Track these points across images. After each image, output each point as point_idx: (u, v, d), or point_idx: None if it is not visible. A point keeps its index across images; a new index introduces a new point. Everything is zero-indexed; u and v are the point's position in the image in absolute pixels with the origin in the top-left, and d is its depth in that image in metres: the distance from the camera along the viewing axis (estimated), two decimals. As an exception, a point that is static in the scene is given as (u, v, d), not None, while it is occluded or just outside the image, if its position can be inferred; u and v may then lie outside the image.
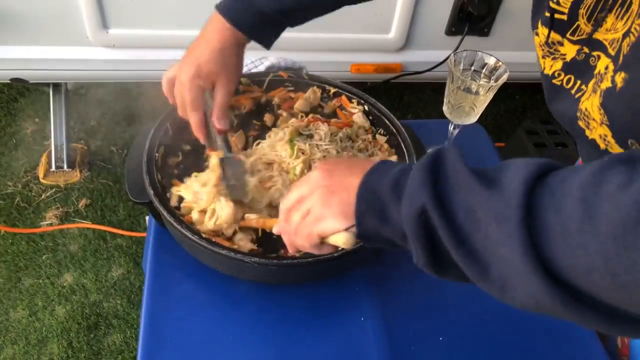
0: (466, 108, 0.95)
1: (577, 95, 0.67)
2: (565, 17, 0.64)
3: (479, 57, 0.94)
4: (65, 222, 1.85)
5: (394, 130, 0.96)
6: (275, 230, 0.66)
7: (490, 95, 0.93)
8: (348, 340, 0.79)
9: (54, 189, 1.93)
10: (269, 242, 0.80)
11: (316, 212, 0.55)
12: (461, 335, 0.81)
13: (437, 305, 0.85)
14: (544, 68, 0.73)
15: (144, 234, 1.82)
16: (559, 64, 0.69)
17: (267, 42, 0.82)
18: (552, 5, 0.65)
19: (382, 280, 0.86)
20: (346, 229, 0.53)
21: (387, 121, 0.98)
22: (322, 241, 0.57)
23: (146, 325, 0.78)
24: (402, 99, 2.43)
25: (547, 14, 0.66)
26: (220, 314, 0.81)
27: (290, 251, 0.62)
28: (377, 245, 0.52)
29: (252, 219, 0.80)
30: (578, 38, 0.65)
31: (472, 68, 0.95)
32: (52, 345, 1.56)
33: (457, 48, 1.63)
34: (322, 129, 0.94)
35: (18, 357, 1.53)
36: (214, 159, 0.82)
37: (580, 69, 0.66)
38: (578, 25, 0.64)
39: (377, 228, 0.50)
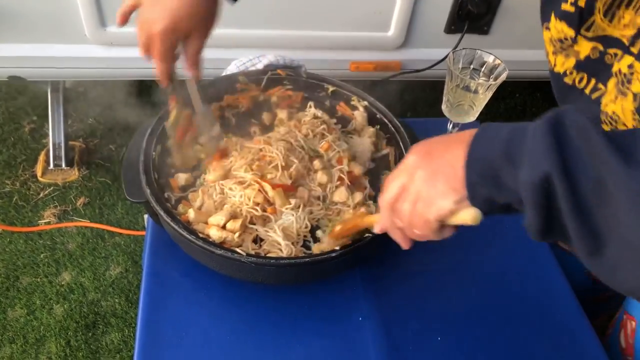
0: (465, 106, 0.95)
1: (594, 96, 0.63)
2: (580, 11, 0.60)
3: (478, 55, 0.94)
4: (64, 221, 1.85)
5: (393, 129, 0.96)
6: (377, 230, 0.64)
7: (490, 94, 0.92)
8: (346, 340, 0.78)
9: (52, 187, 1.93)
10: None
11: (425, 195, 0.52)
12: (459, 335, 0.81)
13: (435, 305, 0.84)
14: (555, 65, 0.69)
15: (142, 233, 1.81)
16: (571, 62, 0.65)
17: None
18: None
19: (380, 280, 0.85)
20: (457, 203, 0.50)
21: (385, 119, 0.98)
22: (442, 224, 0.54)
23: (143, 324, 0.78)
24: (401, 97, 2.42)
25: (564, 7, 0.61)
26: (217, 314, 0.80)
27: (405, 246, 0.60)
28: (492, 214, 0.51)
29: (344, 224, 0.75)
30: (593, 35, 0.61)
31: (471, 66, 0.95)
32: (50, 344, 1.55)
33: (456, 46, 1.62)
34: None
35: (16, 356, 1.53)
36: (174, 112, 0.84)
37: (595, 67, 0.62)
38: (594, 21, 0.60)
39: (491, 196, 0.48)
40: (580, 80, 0.65)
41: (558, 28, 0.65)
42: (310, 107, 1.00)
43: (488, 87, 0.90)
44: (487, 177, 0.47)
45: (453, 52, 0.92)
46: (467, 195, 0.49)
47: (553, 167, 0.41)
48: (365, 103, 1.00)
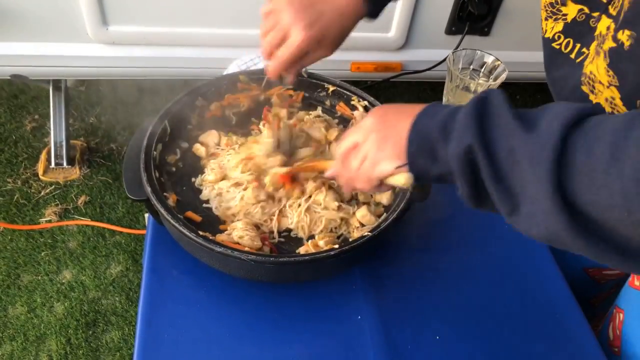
0: (465, 107, 0.95)
1: (578, 60, 0.67)
2: None
3: (478, 56, 0.94)
4: (65, 219, 1.85)
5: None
6: (328, 174, 0.71)
7: (489, 95, 0.93)
8: (344, 338, 0.79)
9: (53, 186, 1.93)
10: (285, 243, 0.82)
11: (372, 156, 0.59)
12: (458, 334, 0.81)
13: (434, 304, 0.84)
14: (545, 31, 0.73)
15: (143, 231, 1.82)
16: (559, 26, 0.69)
17: (379, 9, 0.80)
18: None
19: (379, 279, 0.86)
20: (397, 168, 0.57)
21: (385, 120, 0.98)
22: (381, 182, 0.61)
23: (143, 322, 0.78)
24: (402, 97, 2.43)
25: None
26: (217, 312, 0.81)
27: (346, 191, 0.71)
28: (428, 182, 0.58)
29: (302, 163, 0.81)
30: None
31: (471, 67, 0.95)
32: (50, 341, 1.56)
33: (457, 47, 1.62)
34: None
35: (16, 354, 1.53)
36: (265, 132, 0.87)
37: (580, 30, 0.66)
38: None
39: (427, 167, 0.54)
40: (567, 45, 0.69)
41: None
42: (317, 108, 1.01)
43: (487, 88, 0.91)
44: (424, 149, 0.54)
45: (453, 53, 0.92)
46: (407, 163, 0.56)
47: (474, 139, 0.48)
48: (365, 103, 1.00)
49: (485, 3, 1.58)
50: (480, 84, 0.91)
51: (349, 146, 0.63)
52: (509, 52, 1.75)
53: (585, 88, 0.66)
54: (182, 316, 0.79)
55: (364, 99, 1.01)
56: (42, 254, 1.75)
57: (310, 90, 1.04)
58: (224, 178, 0.87)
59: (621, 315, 0.88)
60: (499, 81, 0.90)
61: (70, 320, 1.60)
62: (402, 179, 0.58)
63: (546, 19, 0.73)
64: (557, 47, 0.71)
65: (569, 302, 0.87)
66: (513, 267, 0.91)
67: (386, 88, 2.36)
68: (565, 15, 0.68)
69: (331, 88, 1.02)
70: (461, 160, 0.49)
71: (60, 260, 1.74)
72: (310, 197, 0.84)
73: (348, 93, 1.02)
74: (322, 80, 1.02)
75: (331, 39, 0.74)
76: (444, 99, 0.97)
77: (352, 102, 1.02)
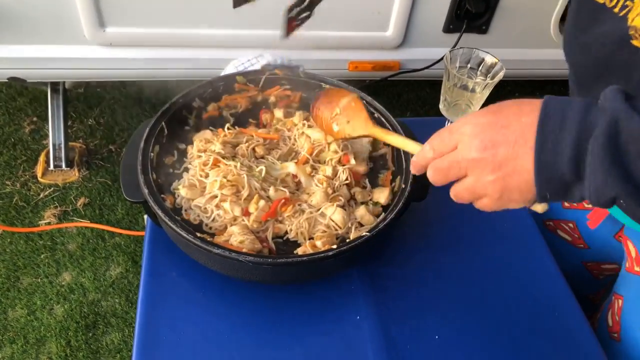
0: (462, 106, 0.95)
1: (622, 13, 0.63)
2: None
3: (475, 54, 0.94)
4: (64, 221, 1.85)
5: (390, 128, 0.96)
6: (413, 170, 0.62)
7: (487, 93, 0.93)
8: (343, 339, 0.78)
9: (52, 188, 1.93)
10: (284, 244, 0.82)
11: (495, 202, 0.53)
12: (457, 333, 0.81)
13: (433, 303, 0.84)
14: None
15: (142, 233, 1.81)
16: None
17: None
18: None
19: (378, 279, 0.85)
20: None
21: (383, 119, 0.98)
22: None
23: (141, 324, 0.78)
24: (400, 96, 2.43)
25: None
26: (215, 313, 0.80)
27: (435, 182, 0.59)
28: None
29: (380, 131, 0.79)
30: None
31: (469, 65, 0.95)
32: (50, 344, 1.56)
33: (455, 45, 1.62)
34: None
35: (16, 356, 1.53)
36: None
37: None
38: None
39: (564, 198, 0.50)
40: (611, 0, 0.65)
41: None
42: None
43: (485, 86, 0.90)
44: (557, 191, 0.49)
45: (450, 52, 0.92)
46: (538, 201, 0.51)
47: (619, 193, 0.44)
48: (363, 102, 1.00)
49: (482, 1, 1.57)
50: (478, 83, 0.91)
51: (445, 167, 0.55)
52: (507, 50, 1.75)
53: (636, 42, 0.62)
54: (181, 318, 0.79)
55: (362, 99, 1.00)
56: (42, 256, 1.75)
57: (307, 90, 1.03)
58: (200, 193, 0.84)
59: (620, 301, 0.88)
60: (497, 79, 0.90)
61: (70, 323, 1.60)
62: (539, 207, 0.56)
63: None
64: (601, 1, 0.66)
65: (569, 300, 0.87)
66: (512, 266, 0.91)
67: (385, 87, 2.36)
68: None
69: (328, 88, 1.02)
70: (606, 204, 0.47)
71: (59, 263, 1.74)
72: (315, 207, 0.84)
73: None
74: (319, 80, 1.02)
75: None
76: (442, 97, 0.97)
77: (350, 102, 1.01)
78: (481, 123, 0.53)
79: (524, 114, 0.49)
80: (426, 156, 0.58)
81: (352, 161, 0.91)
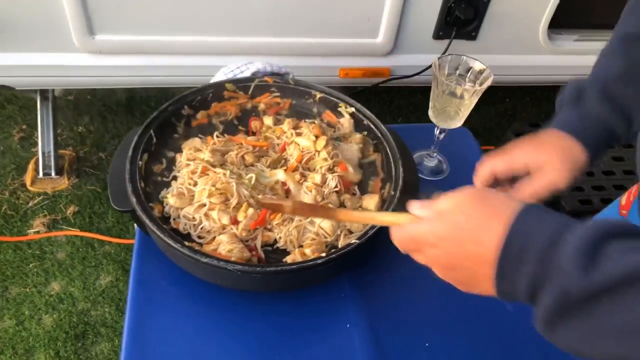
0: (451, 112, 0.95)
1: None
2: None
3: (464, 61, 0.94)
4: (53, 230, 1.83)
5: (380, 135, 0.96)
6: (394, 239, 0.58)
7: (475, 99, 0.93)
8: (333, 347, 0.78)
9: (41, 197, 1.92)
10: (273, 252, 0.82)
11: (461, 286, 0.54)
12: (447, 341, 0.81)
13: (423, 311, 0.84)
14: None
15: (132, 241, 1.79)
16: None
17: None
18: None
19: (368, 287, 0.85)
20: None
21: (372, 126, 0.98)
22: None
23: (129, 333, 0.78)
24: (391, 103, 2.44)
25: None
26: (204, 322, 0.80)
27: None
28: None
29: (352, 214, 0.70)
30: None
31: (457, 72, 0.95)
32: (39, 354, 1.54)
33: (444, 52, 1.63)
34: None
35: (5, 368, 1.51)
36: None
37: None
38: None
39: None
40: None
41: None
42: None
43: (473, 93, 0.91)
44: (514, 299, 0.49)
45: (438, 59, 0.92)
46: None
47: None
48: (353, 109, 1.00)
49: (471, 7, 1.58)
50: (466, 90, 0.91)
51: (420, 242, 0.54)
52: (496, 56, 1.75)
53: None
54: (169, 327, 0.79)
55: (351, 106, 1.00)
56: (30, 265, 1.73)
57: (297, 97, 1.03)
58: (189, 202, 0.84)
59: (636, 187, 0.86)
60: (485, 86, 0.90)
61: (59, 333, 1.58)
62: None
63: None
64: None
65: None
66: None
67: (376, 93, 2.37)
68: None
69: (318, 95, 1.02)
70: None
71: (48, 272, 1.72)
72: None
73: (335, 100, 1.01)
74: (309, 88, 1.02)
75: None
76: (430, 104, 0.97)
77: (339, 109, 1.01)
78: (444, 248, 0.52)
79: (483, 245, 0.47)
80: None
81: (350, 169, 0.91)
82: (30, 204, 1.89)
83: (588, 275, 0.40)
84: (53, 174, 1.94)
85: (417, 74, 1.68)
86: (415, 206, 0.56)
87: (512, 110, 2.51)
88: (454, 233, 0.50)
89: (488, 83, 0.91)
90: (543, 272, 0.43)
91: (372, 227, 0.79)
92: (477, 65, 0.93)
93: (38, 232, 1.82)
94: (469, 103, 0.93)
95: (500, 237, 0.46)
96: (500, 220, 0.46)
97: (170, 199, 0.83)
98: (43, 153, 1.92)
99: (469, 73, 0.95)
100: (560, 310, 0.42)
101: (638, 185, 0.86)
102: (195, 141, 0.94)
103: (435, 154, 1.08)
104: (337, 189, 0.88)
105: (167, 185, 0.88)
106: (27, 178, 1.96)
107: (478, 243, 0.47)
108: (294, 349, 0.78)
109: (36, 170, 1.96)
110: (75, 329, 1.59)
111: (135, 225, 1.04)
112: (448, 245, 0.50)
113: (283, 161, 0.93)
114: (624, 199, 0.95)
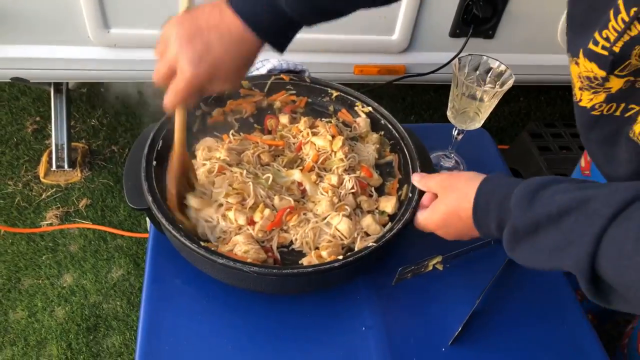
0: (470, 114, 0.93)
1: (626, 115, 0.66)
2: (613, 57, 0.60)
3: (484, 60, 0.92)
4: (66, 222, 1.84)
5: (397, 135, 0.95)
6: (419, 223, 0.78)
7: (495, 101, 0.91)
8: (349, 349, 0.77)
9: (54, 189, 1.93)
10: (289, 254, 0.81)
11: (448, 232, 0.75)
12: (464, 345, 0.80)
13: (439, 314, 0.83)
14: (581, 100, 0.71)
15: (144, 235, 1.81)
16: (601, 97, 0.67)
17: (282, 45, 0.74)
18: (600, 41, 0.60)
19: (384, 290, 0.84)
20: None
21: (390, 125, 0.97)
22: None
23: (144, 331, 0.77)
24: (404, 100, 2.42)
25: (594, 48, 0.61)
26: (219, 322, 0.79)
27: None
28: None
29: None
30: (627, 72, 0.62)
31: (477, 72, 0.93)
32: (51, 346, 1.55)
33: (461, 50, 1.61)
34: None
35: (17, 359, 1.52)
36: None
37: (626, 94, 0.64)
38: (629, 63, 0.60)
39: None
40: (610, 108, 0.68)
41: (587, 67, 0.65)
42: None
43: (494, 95, 0.89)
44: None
45: (459, 59, 0.91)
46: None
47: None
48: (369, 109, 0.99)
49: (489, 5, 1.56)
50: (486, 91, 0.89)
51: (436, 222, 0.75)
52: (513, 55, 1.73)
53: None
54: (183, 326, 0.78)
55: (368, 105, 0.99)
56: (43, 257, 1.74)
57: (313, 95, 1.02)
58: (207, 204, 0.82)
59: None
60: (506, 88, 0.89)
61: (71, 325, 1.59)
62: None
63: (581, 90, 0.70)
64: (598, 113, 0.69)
65: (576, 312, 0.86)
66: (523, 276, 0.90)
67: (389, 90, 2.35)
68: (609, 88, 0.65)
69: (335, 93, 1.01)
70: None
71: (61, 264, 1.73)
72: (320, 216, 0.83)
73: (352, 98, 1.00)
74: (326, 86, 1.01)
75: (225, 73, 0.68)
76: (449, 105, 0.95)
77: (356, 108, 1.00)
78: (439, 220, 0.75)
79: (466, 210, 0.67)
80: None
81: (375, 175, 0.90)
82: (43, 196, 1.90)
83: (527, 214, 0.57)
84: (66, 166, 1.95)
85: (434, 71, 1.66)
86: (415, 179, 0.81)
87: (526, 109, 2.48)
88: (446, 219, 0.73)
89: (509, 84, 0.89)
90: (502, 215, 0.61)
91: (390, 230, 0.78)
92: (497, 66, 0.92)
93: (51, 224, 1.83)
94: (489, 105, 0.91)
95: (473, 200, 0.66)
96: (473, 189, 0.67)
97: (191, 200, 0.81)
98: (56, 145, 1.93)
99: (490, 74, 0.93)
100: (514, 239, 0.59)
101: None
102: (208, 140, 0.92)
103: (452, 155, 1.07)
104: (353, 191, 0.87)
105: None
106: (41, 170, 1.97)
107: (463, 209, 0.68)
108: (308, 351, 0.77)
109: (49, 162, 1.97)
110: (87, 321, 1.60)
111: (147, 220, 1.04)
112: (447, 218, 0.73)
113: (299, 161, 0.92)
114: (582, 161, 1.08)
